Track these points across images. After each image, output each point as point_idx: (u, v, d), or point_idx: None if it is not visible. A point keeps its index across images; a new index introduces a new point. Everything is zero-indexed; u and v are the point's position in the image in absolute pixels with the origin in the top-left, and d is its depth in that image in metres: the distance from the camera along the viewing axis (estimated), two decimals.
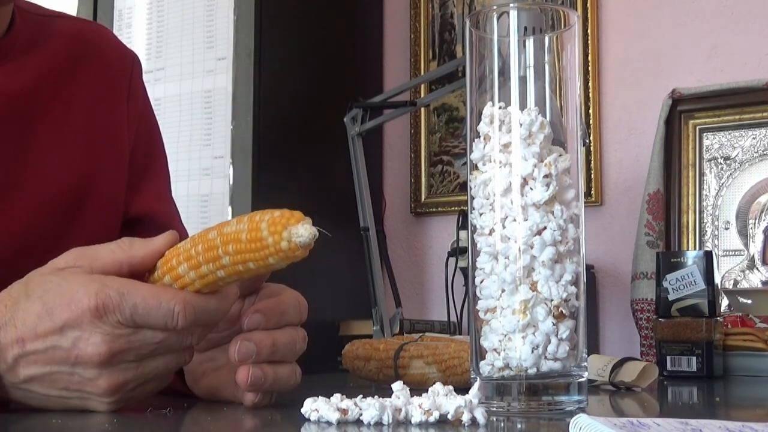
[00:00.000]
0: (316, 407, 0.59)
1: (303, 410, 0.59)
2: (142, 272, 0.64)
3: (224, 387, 0.73)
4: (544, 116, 0.66)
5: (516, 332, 0.64)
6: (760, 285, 1.67)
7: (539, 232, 0.65)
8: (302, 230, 0.57)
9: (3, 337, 0.62)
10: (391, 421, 0.57)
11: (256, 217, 0.59)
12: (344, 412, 0.58)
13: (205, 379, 0.75)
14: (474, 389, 0.60)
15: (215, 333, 0.71)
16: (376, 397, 0.58)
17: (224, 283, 0.62)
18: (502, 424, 0.61)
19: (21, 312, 0.62)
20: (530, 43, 0.69)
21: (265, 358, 0.67)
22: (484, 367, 0.66)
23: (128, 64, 1.00)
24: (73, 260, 0.64)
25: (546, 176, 0.65)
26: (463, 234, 1.81)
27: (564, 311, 0.65)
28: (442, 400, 0.58)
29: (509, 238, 0.65)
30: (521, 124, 0.66)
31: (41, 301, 0.62)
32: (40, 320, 0.61)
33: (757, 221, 1.71)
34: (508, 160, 0.66)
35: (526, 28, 0.71)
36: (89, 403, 0.63)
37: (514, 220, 0.65)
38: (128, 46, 1.05)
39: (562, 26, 0.70)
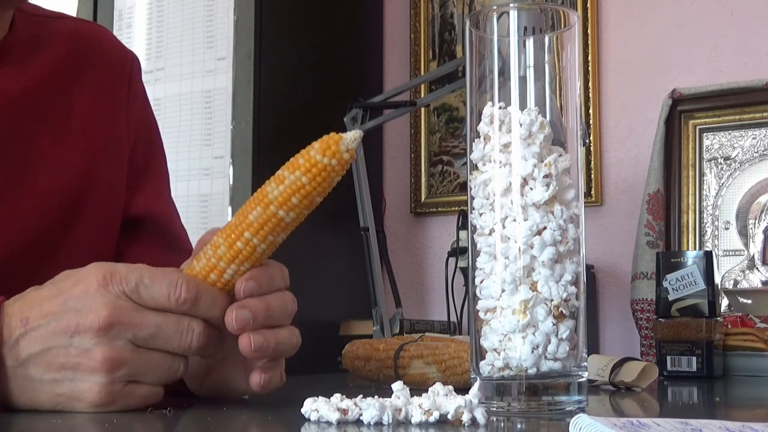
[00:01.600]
0: (316, 407, 0.59)
1: (303, 410, 0.59)
2: None
3: (230, 379, 0.73)
4: (544, 116, 0.66)
5: (516, 332, 0.64)
6: (760, 285, 1.67)
7: (539, 232, 0.65)
8: (351, 136, 0.63)
9: (10, 316, 0.63)
10: (391, 421, 0.57)
11: (299, 161, 0.64)
12: (344, 412, 0.58)
13: (208, 378, 0.75)
14: (474, 389, 0.60)
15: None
16: (376, 397, 0.58)
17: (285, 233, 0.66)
18: (502, 424, 0.61)
19: (31, 295, 0.65)
20: (530, 43, 0.69)
21: (262, 322, 0.68)
22: (484, 367, 0.66)
23: (128, 64, 1.00)
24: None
25: (546, 176, 0.65)
26: (463, 234, 1.81)
27: (564, 311, 0.65)
28: (442, 400, 0.58)
29: (509, 238, 0.65)
30: (521, 124, 0.66)
31: (54, 285, 0.65)
32: (49, 300, 0.63)
33: (757, 221, 1.71)
34: (508, 160, 0.66)
35: (526, 28, 0.71)
36: (81, 386, 0.62)
37: (514, 220, 0.65)
38: (128, 46, 1.05)
39: (562, 26, 0.70)
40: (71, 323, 0.62)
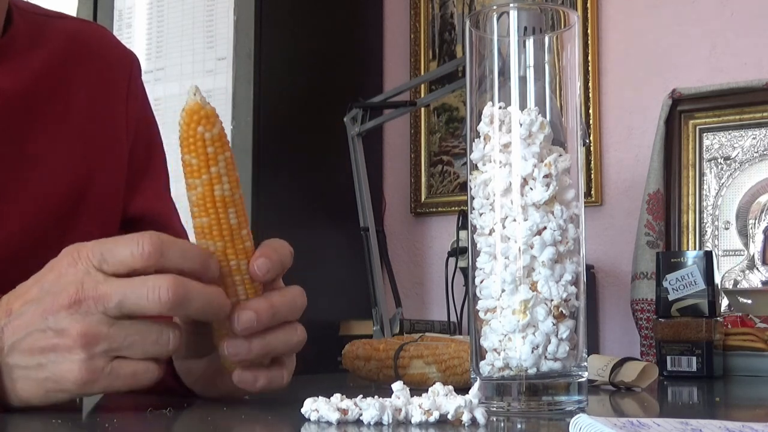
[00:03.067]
0: (316, 407, 0.59)
1: (303, 410, 0.59)
2: None
3: (228, 379, 0.72)
4: (544, 116, 0.66)
5: (516, 332, 0.64)
6: (760, 285, 1.67)
7: (539, 232, 0.65)
8: (188, 99, 0.63)
9: None
10: (391, 421, 0.57)
11: (183, 155, 0.64)
12: (344, 412, 0.58)
13: (207, 377, 0.75)
14: (474, 389, 0.60)
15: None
16: (376, 397, 0.58)
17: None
18: (502, 424, 0.61)
19: (18, 289, 0.65)
20: (530, 43, 0.69)
21: (267, 323, 0.67)
22: (484, 367, 0.66)
23: (127, 64, 1.00)
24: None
25: (546, 176, 0.65)
26: (463, 234, 1.81)
27: (564, 311, 0.65)
28: (442, 400, 0.58)
29: (509, 238, 0.65)
30: (521, 124, 0.66)
31: (34, 277, 0.65)
32: (29, 289, 0.64)
33: (757, 221, 1.71)
34: (508, 160, 0.66)
35: (526, 28, 0.71)
36: (63, 367, 0.62)
37: (514, 220, 0.65)
38: (128, 46, 1.05)
39: (562, 26, 0.70)
40: (47, 306, 0.62)
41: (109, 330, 0.61)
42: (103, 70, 0.96)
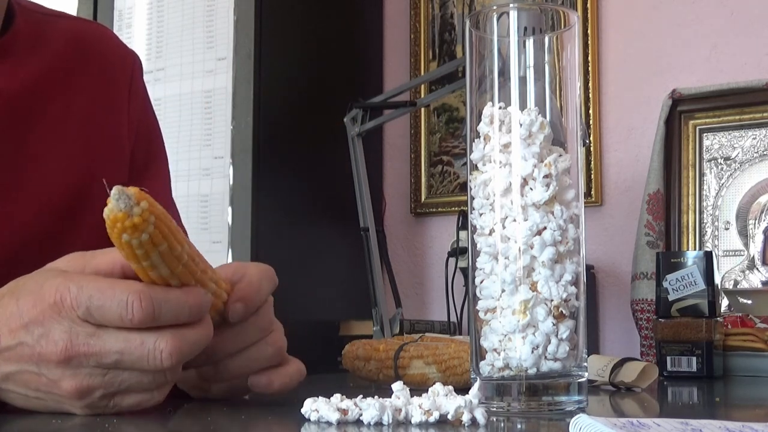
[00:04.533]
0: (316, 407, 0.59)
1: (303, 410, 0.59)
2: (137, 275, 0.61)
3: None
4: (544, 116, 0.66)
5: (516, 332, 0.64)
6: (760, 285, 1.67)
7: (539, 233, 0.65)
8: (113, 195, 0.56)
9: None
10: (391, 421, 0.57)
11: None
12: (344, 412, 0.58)
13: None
14: (474, 389, 0.60)
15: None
16: (376, 397, 0.58)
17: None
18: (502, 424, 0.61)
19: (0, 309, 0.61)
20: (530, 43, 0.69)
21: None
22: (484, 367, 0.66)
23: (129, 64, 1.00)
24: (69, 260, 0.63)
25: (546, 176, 0.65)
26: (463, 234, 1.81)
27: (564, 311, 0.65)
28: (442, 400, 0.58)
29: (509, 238, 0.65)
30: (521, 124, 0.66)
31: (16, 298, 0.61)
32: (11, 317, 0.60)
33: (757, 221, 1.71)
34: (508, 160, 0.66)
35: (526, 29, 0.71)
36: (65, 407, 0.61)
37: (514, 220, 0.65)
38: (128, 46, 1.05)
39: (562, 26, 0.70)
40: (34, 351, 0.59)
41: (103, 380, 0.59)
42: (105, 70, 0.96)
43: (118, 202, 0.56)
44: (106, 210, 0.56)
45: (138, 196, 0.56)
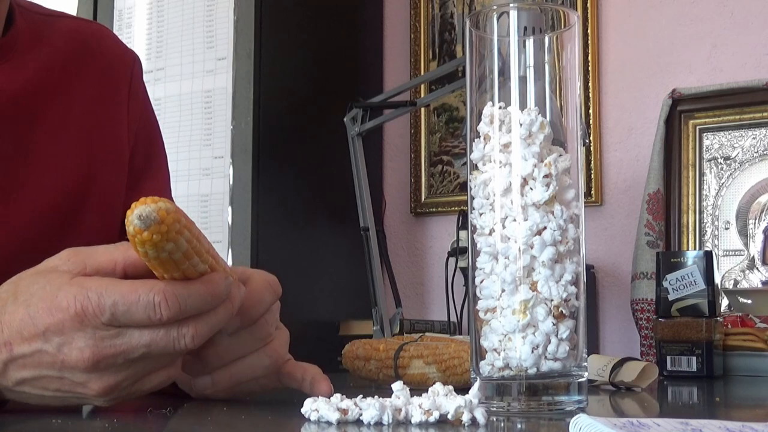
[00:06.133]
0: (316, 407, 0.59)
1: (303, 410, 0.59)
2: (139, 273, 0.62)
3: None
4: (544, 116, 0.66)
5: (516, 332, 0.64)
6: (760, 285, 1.67)
7: (539, 232, 0.65)
8: (137, 212, 0.57)
9: None
10: (391, 421, 0.57)
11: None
12: (344, 412, 0.58)
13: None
14: (474, 389, 0.60)
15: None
16: (376, 397, 0.58)
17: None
18: (502, 424, 0.61)
19: (7, 315, 0.61)
20: (530, 43, 0.69)
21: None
22: (484, 367, 0.66)
23: (129, 64, 1.00)
24: (67, 258, 0.63)
25: (546, 176, 0.65)
26: (463, 234, 1.81)
27: (564, 311, 0.65)
28: (442, 400, 0.58)
29: (509, 238, 0.65)
30: (521, 124, 0.66)
31: (25, 305, 0.60)
32: (24, 325, 0.60)
33: (757, 221, 1.71)
34: (508, 160, 0.66)
35: (526, 28, 0.71)
36: (86, 401, 0.62)
37: (514, 220, 0.65)
38: (128, 46, 1.05)
39: (562, 26, 0.70)
40: (57, 359, 0.59)
41: (129, 372, 0.60)
42: (105, 70, 0.96)
43: (140, 221, 0.56)
44: (128, 228, 0.57)
45: (160, 214, 0.57)
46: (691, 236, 1.75)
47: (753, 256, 1.70)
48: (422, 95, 2.00)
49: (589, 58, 1.92)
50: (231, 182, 1.81)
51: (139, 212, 0.56)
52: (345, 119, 1.70)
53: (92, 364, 0.59)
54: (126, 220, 0.57)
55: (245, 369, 0.70)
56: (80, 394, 0.61)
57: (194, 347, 0.61)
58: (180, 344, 0.60)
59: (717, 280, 1.64)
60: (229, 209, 1.80)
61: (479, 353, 0.67)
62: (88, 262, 0.62)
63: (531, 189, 0.65)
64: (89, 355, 0.59)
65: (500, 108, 0.67)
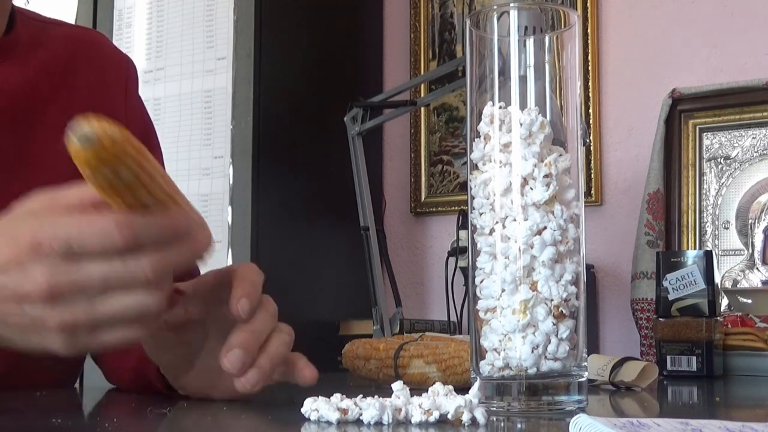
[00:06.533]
0: (316, 407, 0.59)
1: (303, 410, 0.59)
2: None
3: (216, 380, 0.72)
4: (544, 116, 0.66)
5: (516, 332, 0.64)
6: (760, 285, 1.67)
7: (539, 232, 0.65)
8: (77, 128, 0.55)
9: None
10: (391, 421, 0.57)
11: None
12: (344, 412, 0.58)
13: (194, 377, 0.75)
14: (474, 389, 0.60)
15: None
16: (376, 397, 0.58)
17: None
18: (502, 424, 0.61)
19: None
20: (530, 42, 0.69)
21: (256, 349, 0.68)
22: (484, 367, 0.66)
23: (124, 67, 1.02)
24: (37, 198, 0.63)
25: (546, 176, 0.65)
26: (463, 234, 1.81)
27: (564, 311, 0.65)
28: (442, 400, 0.58)
29: (509, 238, 0.65)
30: (521, 124, 0.66)
31: None
32: None
33: (757, 221, 1.71)
34: (508, 159, 0.66)
35: (526, 28, 0.71)
36: (48, 342, 0.61)
37: (514, 220, 0.65)
38: (128, 46, 1.08)
39: (562, 26, 0.70)
40: (15, 292, 0.59)
41: (88, 311, 0.59)
42: (101, 72, 0.98)
43: (81, 140, 0.55)
44: (71, 149, 0.55)
45: (100, 132, 0.55)
46: (691, 236, 1.75)
47: (753, 256, 1.70)
48: (422, 95, 1.99)
49: (589, 58, 1.91)
50: (231, 182, 1.81)
51: (79, 129, 0.55)
52: (345, 119, 1.70)
53: (48, 294, 0.58)
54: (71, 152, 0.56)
55: (273, 354, 0.70)
56: (41, 331, 0.60)
57: (154, 279, 0.59)
58: (138, 275, 0.59)
59: (717, 279, 1.64)
60: (229, 209, 1.81)
61: (479, 353, 0.67)
62: (56, 198, 0.62)
63: (531, 189, 0.65)
64: (44, 283, 0.58)
65: (500, 108, 0.67)
